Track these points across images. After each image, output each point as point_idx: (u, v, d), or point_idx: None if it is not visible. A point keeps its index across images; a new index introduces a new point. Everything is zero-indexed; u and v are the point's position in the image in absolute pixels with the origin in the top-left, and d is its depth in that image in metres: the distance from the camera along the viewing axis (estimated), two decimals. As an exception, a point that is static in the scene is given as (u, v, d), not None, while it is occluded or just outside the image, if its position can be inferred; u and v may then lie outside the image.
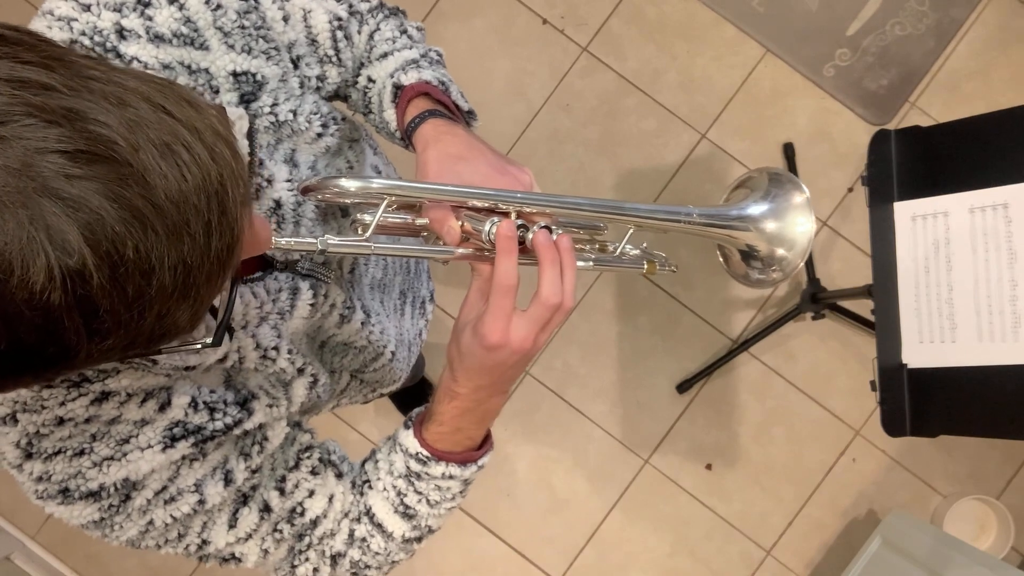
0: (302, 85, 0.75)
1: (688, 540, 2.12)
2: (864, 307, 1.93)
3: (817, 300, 2.02)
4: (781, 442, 2.13)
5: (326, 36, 0.77)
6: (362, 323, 0.88)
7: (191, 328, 0.48)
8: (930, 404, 1.26)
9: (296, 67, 0.75)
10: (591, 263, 0.75)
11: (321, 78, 0.77)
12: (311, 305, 0.76)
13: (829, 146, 2.15)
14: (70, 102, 0.39)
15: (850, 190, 2.14)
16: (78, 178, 0.39)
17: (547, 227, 0.67)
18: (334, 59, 0.78)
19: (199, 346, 0.55)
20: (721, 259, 0.84)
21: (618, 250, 0.79)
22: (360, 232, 0.71)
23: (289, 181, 0.73)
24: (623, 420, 2.13)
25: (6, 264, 0.37)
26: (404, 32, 0.87)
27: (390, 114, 0.81)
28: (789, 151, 2.13)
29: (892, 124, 2.13)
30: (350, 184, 0.65)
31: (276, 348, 0.73)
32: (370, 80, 0.84)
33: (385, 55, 0.84)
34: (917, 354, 1.27)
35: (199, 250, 0.44)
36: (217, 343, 0.56)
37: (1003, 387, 1.19)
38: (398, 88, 0.80)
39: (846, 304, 2.03)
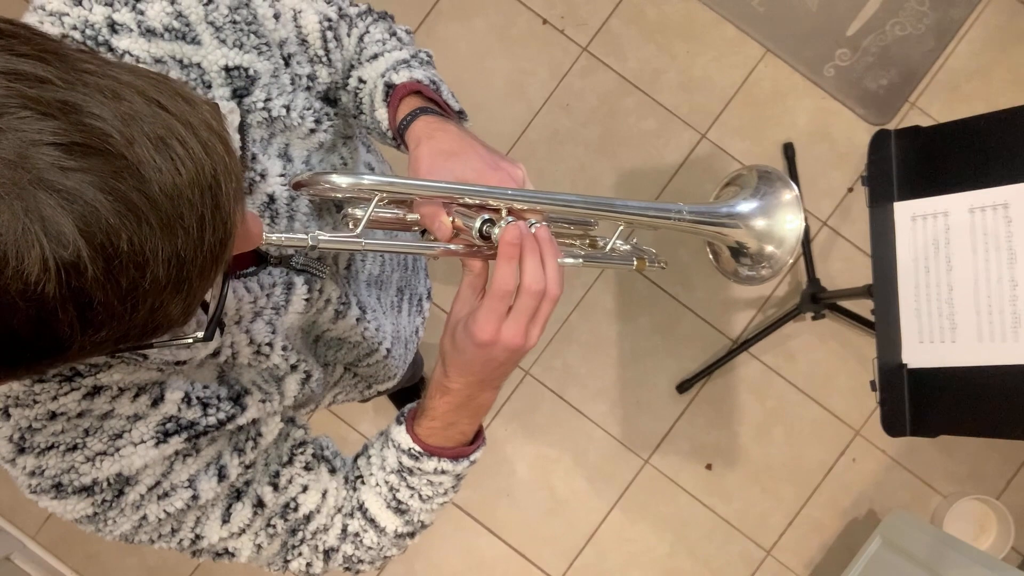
0: (293, 82, 0.75)
1: (688, 540, 2.12)
2: (864, 307, 1.93)
3: (817, 300, 2.01)
4: (781, 442, 2.13)
5: (316, 37, 0.77)
6: (357, 319, 0.88)
7: (183, 321, 0.48)
8: (930, 404, 1.25)
9: (287, 64, 0.75)
10: (581, 260, 0.75)
11: (312, 77, 0.77)
12: (306, 300, 0.76)
13: (829, 146, 2.15)
14: (65, 95, 0.39)
15: (850, 190, 2.14)
16: (73, 170, 0.39)
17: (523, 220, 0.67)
18: (324, 60, 0.79)
19: (190, 340, 0.55)
20: (711, 256, 0.85)
21: (608, 246, 0.79)
22: (351, 227, 0.71)
23: (283, 176, 0.73)
24: (623, 420, 2.13)
25: (0, 255, 0.37)
26: (394, 35, 0.87)
27: (381, 113, 0.81)
28: (789, 151, 2.13)
29: (892, 124, 2.13)
30: (341, 180, 0.66)
31: (270, 344, 0.73)
32: (361, 81, 0.84)
33: (375, 56, 0.84)
34: (917, 354, 1.27)
35: (192, 243, 0.44)
36: (208, 338, 0.56)
37: (1003, 387, 1.19)
38: (390, 87, 0.80)
39: (846, 304, 2.03)
